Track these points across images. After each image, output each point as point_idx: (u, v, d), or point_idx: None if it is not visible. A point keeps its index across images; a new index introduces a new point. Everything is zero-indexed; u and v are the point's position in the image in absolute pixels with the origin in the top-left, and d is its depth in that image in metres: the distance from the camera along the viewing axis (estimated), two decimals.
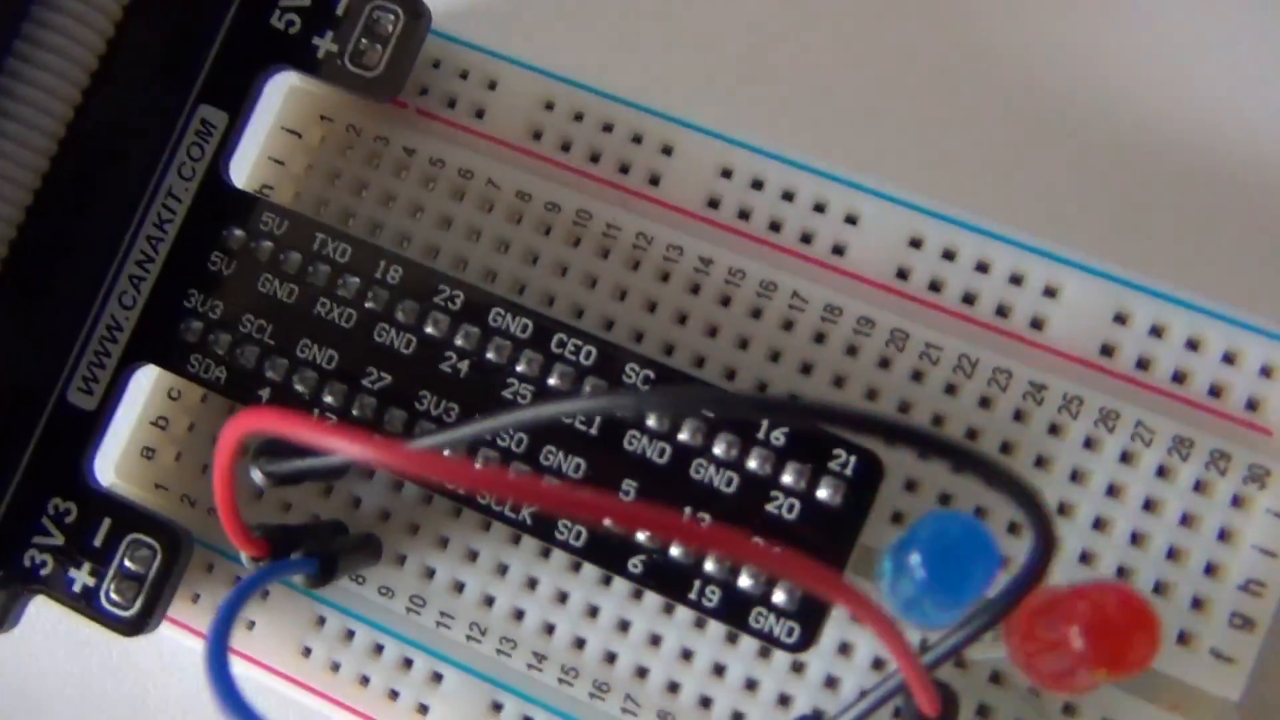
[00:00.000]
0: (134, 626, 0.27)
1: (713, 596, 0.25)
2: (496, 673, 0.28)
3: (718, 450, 0.25)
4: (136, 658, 0.33)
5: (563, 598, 0.27)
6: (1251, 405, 0.25)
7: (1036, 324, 0.26)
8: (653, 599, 0.27)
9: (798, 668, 0.26)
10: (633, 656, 0.27)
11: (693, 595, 0.25)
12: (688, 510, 0.25)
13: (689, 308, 0.27)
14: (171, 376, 0.29)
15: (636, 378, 0.26)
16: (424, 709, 0.28)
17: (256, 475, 0.26)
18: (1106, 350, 0.26)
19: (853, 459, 0.25)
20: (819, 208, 0.28)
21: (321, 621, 0.28)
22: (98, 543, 0.27)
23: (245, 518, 0.24)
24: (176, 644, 0.30)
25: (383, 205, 0.29)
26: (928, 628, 0.20)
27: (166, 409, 0.29)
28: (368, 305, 0.27)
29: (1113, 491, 0.25)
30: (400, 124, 0.29)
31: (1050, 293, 0.26)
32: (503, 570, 0.27)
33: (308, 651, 0.28)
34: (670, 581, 0.25)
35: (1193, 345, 0.26)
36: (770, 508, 0.25)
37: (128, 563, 0.27)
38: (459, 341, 0.27)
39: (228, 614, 0.19)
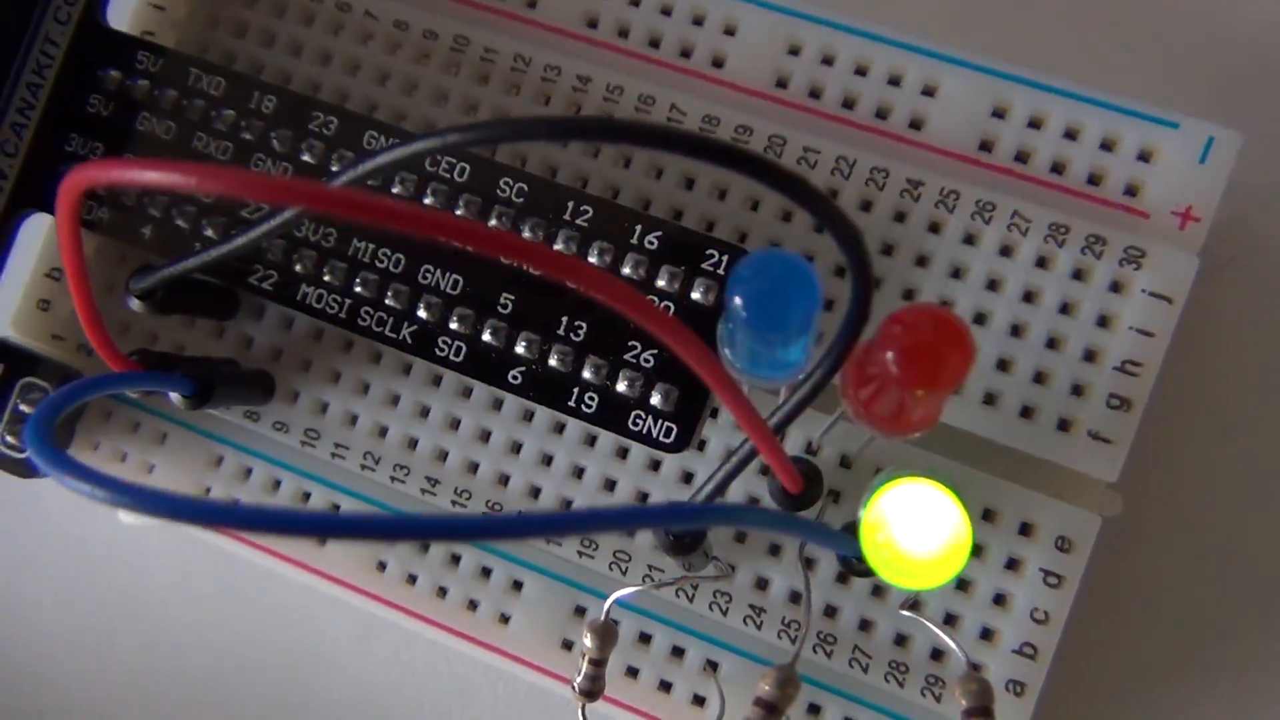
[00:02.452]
0: (29, 469, 0.27)
1: (591, 403, 0.25)
2: (391, 499, 0.28)
3: (592, 258, 0.25)
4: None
5: (454, 424, 0.27)
6: (1130, 191, 0.25)
7: (915, 124, 0.26)
8: (542, 420, 0.27)
9: (686, 478, 0.26)
10: (525, 476, 0.27)
11: (572, 403, 0.25)
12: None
13: None
14: None
15: (510, 191, 0.26)
16: (321, 540, 0.28)
17: (133, 303, 0.26)
18: (986, 146, 0.26)
19: (725, 258, 0.25)
20: (697, 20, 0.27)
21: (219, 461, 0.28)
22: None
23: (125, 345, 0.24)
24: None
25: (264, 46, 0.29)
26: (775, 380, 0.20)
27: (60, 261, 0.29)
28: (244, 136, 0.27)
29: (992, 285, 0.25)
30: None
31: (929, 92, 0.26)
32: (394, 400, 0.27)
33: (208, 491, 0.28)
34: (550, 391, 0.25)
35: (1071, 135, 0.25)
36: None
37: (21, 405, 0.28)
38: (335, 168, 0.26)
39: (71, 392, 0.19)
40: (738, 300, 0.17)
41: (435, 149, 0.18)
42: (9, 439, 0.27)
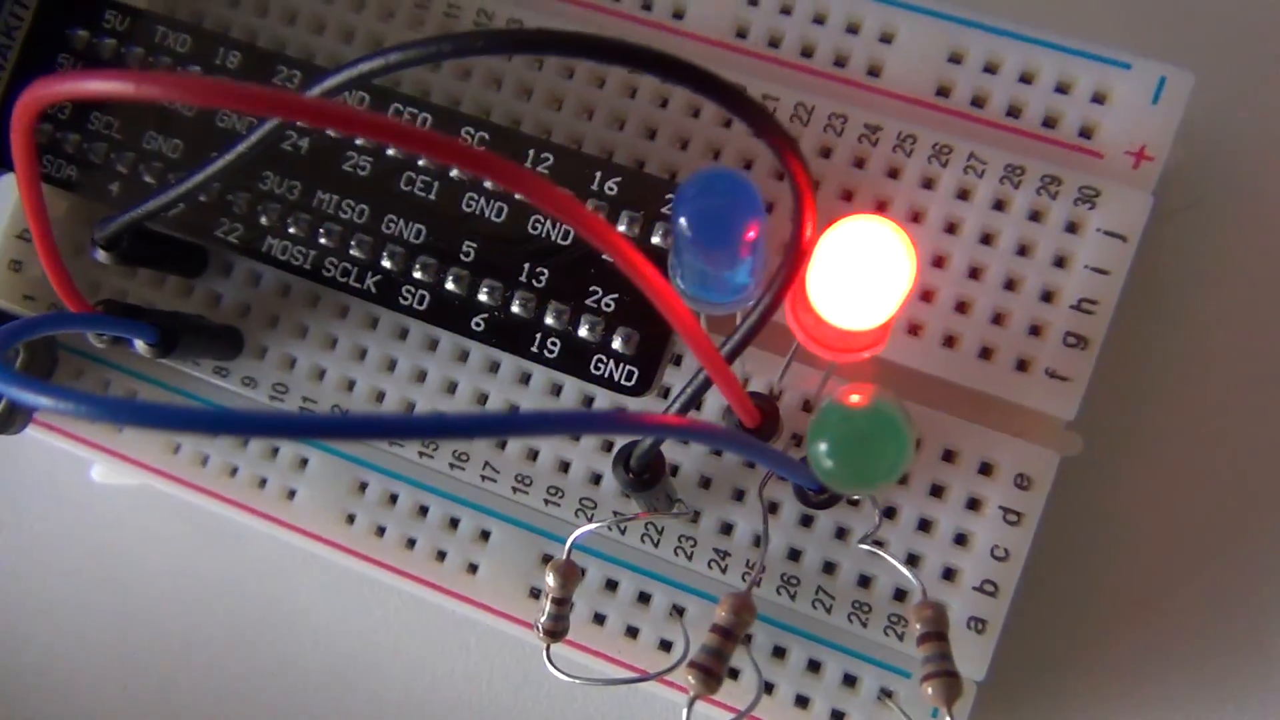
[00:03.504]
0: (2, 424, 0.27)
1: (554, 348, 0.25)
2: (360, 452, 0.28)
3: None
4: None
5: (421, 376, 0.27)
6: (1085, 132, 0.25)
7: (873, 70, 0.26)
8: (507, 370, 0.27)
9: None
10: None
11: (534, 348, 0.25)
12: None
13: (550, 86, 0.27)
14: None
15: (473, 140, 0.26)
16: (291, 494, 0.28)
17: (99, 254, 0.26)
18: (943, 90, 0.26)
19: None
20: None
21: None
22: None
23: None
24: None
25: (229, 6, 0.29)
26: (726, 305, 0.20)
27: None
28: None
29: (950, 228, 0.25)
30: None
31: (886, 38, 0.26)
32: (361, 354, 0.28)
33: (178, 448, 0.29)
34: (512, 337, 0.26)
35: (1026, 78, 0.26)
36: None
37: None
38: (299, 121, 0.27)
39: (30, 323, 0.19)
40: (683, 221, 0.18)
41: (379, 69, 0.18)
42: None
